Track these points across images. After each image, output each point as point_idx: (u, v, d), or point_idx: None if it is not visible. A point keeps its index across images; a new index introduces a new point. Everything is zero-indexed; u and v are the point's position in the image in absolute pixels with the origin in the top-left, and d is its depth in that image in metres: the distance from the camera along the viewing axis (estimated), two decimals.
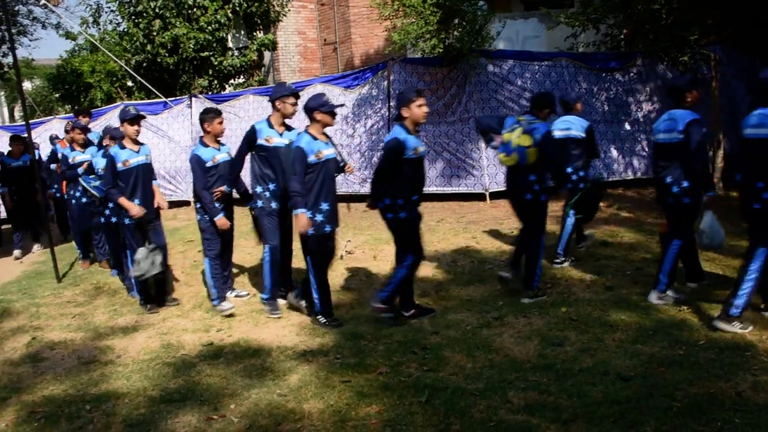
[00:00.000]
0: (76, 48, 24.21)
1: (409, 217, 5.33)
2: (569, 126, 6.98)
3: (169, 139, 14.30)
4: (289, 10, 16.51)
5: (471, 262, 7.30)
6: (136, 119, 6.37)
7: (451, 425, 3.67)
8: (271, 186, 5.92)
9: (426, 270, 7.03)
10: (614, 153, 11.25)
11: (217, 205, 6.10)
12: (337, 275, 7.12)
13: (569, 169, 6.80)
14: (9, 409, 4.35)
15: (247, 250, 8.32)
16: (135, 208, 6.26)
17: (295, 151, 5.32)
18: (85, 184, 7.20)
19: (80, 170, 7.71)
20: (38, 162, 10.42)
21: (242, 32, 16.57)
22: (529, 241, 5.96)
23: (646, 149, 11.26)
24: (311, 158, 5.31)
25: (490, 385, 4.13)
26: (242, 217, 7.31)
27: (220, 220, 6.06)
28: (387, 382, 4.28)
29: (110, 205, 6.83)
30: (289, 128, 6.06)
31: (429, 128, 11.50)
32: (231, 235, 6.56)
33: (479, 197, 10.90)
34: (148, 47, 14.71)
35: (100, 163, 7.02)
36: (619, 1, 10.67)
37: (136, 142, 6.46)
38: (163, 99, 13.56)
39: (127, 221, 6.35)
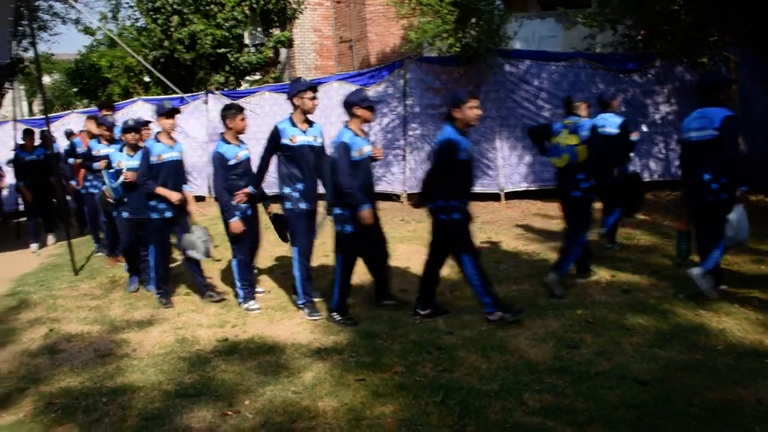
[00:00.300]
0: (95, 43, 24.34)
1: (463, 219, 5.26)
2: (604, 123, 7.17)
3: (185, 135, 14.33)
4: (305, 8, 16.53)
5: (486, 262, 7.26)
6: (171, 113, 6.34)
7: (466, 426, 3.66)
8: (299, 186, 5.76)
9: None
10: (630, 154, 11.17)
11: (240, 206, 6.05)
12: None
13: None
14: (27, 399, 4.38)
15: (264, 246, 8.32)
16: (174, 195, 6.25)
17: (340, 146, 5.31)
18: (107, 181, 7.06)
19: (95, 165, 7.65)
20: (56, 155, 10.50)
21: (259, 29, 16.60)
22: (570, 237, 6.19)
23: (663, 152, 11.19)
24: (354, 154, 5.31)
25: (506, 386, 4.11)
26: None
27: (235, 223, 5.95)
28: (402, 381, 4.27)
29: (151, 203, 6.47)
30: (311, 124, 5.94)
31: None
32: (257, 235, 6.54)
33: (494, 197, 10.87)
34: (166, 43, 14.77)
35: (116, 158, 6.97)
36: (637, 1, 10.59)
37: (171, 138, 6.44)
38: (180, 94, 13.61)
39: (155, 216, 6.34)
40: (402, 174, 11.66)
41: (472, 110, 5.16)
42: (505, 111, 11.21)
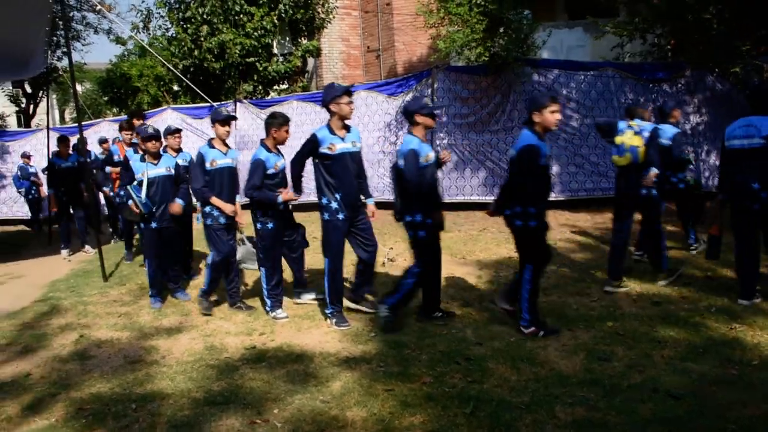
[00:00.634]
0: (125, 53, 24.74)
1: (539, 227, 5.17)
2: (661, 134, 7.17)
3: None
4: (333, 17, 16.62)
5: (514, 272, 7.20)
6: (227, 120, 6.31)
7: None
8: (338, 195, 5.64)
9: (468, 280, 6.99)
10: (690, 166, 11.03)
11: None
12: (378, 283, 7.10)
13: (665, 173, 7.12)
14: (58, 405, 4.43)
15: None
16: (229, 207, 6.25)
17: (409, 154, 5.31)
18: (133, 195, 6.74)
19: (107, 169, 7.54)
20: (92, 162, 10.66)
21: (287, 38, 16.73)
22: (650, 232, 6.57)
23: (693, 163, 11.03)
24: (421, 161, 5.33)
25: (536, 398, 4.06)
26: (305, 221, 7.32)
27: (287, 194, 5.90)
28: (431, 392, 4.24)
29: (206, 209, 6.36)
30: (348, 129, 5.79)
31: (472, 137, 11.46)
32: (298, 242, 6.51)
33: None
34: (196, 52, 14.93)
35: (140, 168, 6.75)
36: (667, 10, 10.48)
37: (226, 144, 6.40)
38: (210, 103, 13.74)
39: (209, 222, 6.30)
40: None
41: (553, 115, 5.09)
42: None
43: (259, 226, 6.11)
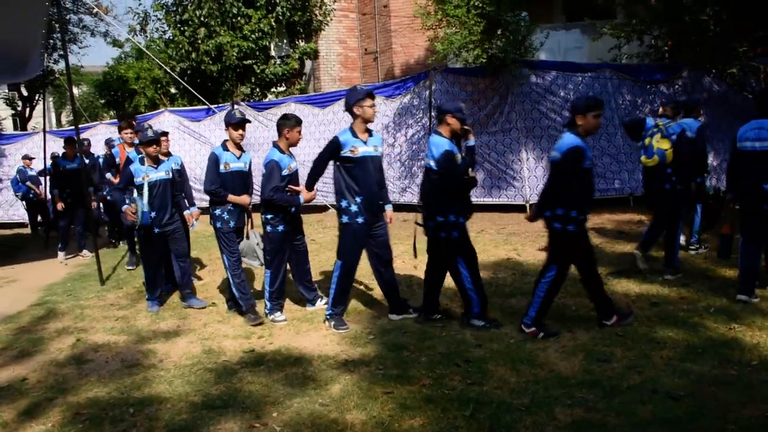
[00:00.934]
0: (122, 55, 24.74)
1: (578, 233, 5.15)
2: (687, 128, 7.27)
3: (210, 146, 14.46)
4: (331, 20, 16.63)
5: (512, 274, 7.23)
6: (241, 123, 6.19)
7: None
8: (358, 199, 5.58)
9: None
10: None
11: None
12: (377, 286, 7.09)
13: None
14: (55, 409, 4.40)
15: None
16: (245, 198, 6.19)
17: (449, 155, 5.29)
18: (139, 204, 6.58)
19: (108, 175, 7.38)
20: (95, 165, 10.62)
21: (284, 41, 16.74)
22: (666, 226, 6.82)
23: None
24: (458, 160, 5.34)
25: (536, 400, 4.05)
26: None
27: (308, 194, 5.86)
28: (430, 394, 4.22)
29: (216, 212, 6.24)
30: (371, 133, 5.74)
31: None
32: (304, 245, 6.42)
33: (520, 209, 10.81)
34: (193, 55, 14.93)
35: (140, 172, 6.63)
36: (664, 12, 10.50)
37: (239, 148, 6.33)
38: (208, 105, 13.75)
39: (219, 225, 6.20)
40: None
41: (596, 119, 5.13)
42: (531, 122, 11.16)
43: (269, 228, 6.04)
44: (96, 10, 17.61)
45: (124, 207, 6.68)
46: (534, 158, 11.09)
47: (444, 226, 5.42)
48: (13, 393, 4.74)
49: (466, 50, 10.65)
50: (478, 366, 4.65)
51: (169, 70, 14.35)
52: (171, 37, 15.91)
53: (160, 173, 6.70)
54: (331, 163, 5.74)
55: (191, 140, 14.66)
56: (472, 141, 5.61)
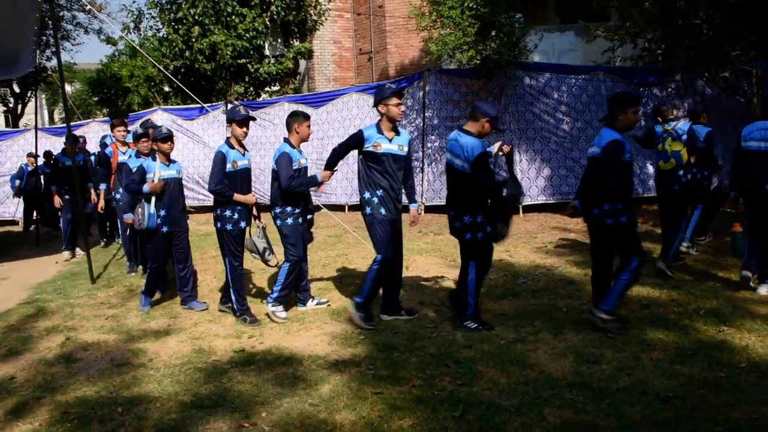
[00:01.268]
0: (116, 53, 24.66)
1: (631, 221, 5.21)
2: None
3: (203, 145, 14.44)
4: (326, 19, 16.61)
5: (504, 275, 7.23)
6: (246, 121, 6.08)
7: None
8: (379, 192, 5.64)
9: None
10: (650, 168, 11.10)
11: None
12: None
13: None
14: (43, 408, 4.37)
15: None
16: (250, 197, 6.10)
17: (484, 157, 5.26)
18: (145, 208, 6.55)
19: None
20: (87, 163, 10.56)
21: (279, 40, 16.72)
22: (674, 223, 7.09)
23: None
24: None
25: (526, 401, 4.05)
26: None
27: (325, 172, 5.84)
28: (420, 395, 4.22)
29: (218, 212, 6.09)
30: (398, 132, 5.74)
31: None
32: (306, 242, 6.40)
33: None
34: (187, 53, 14.90)
35: (151, 168, 6.57)
36: (658, 15, 10.52)
37: (242, 145, 6.22)
38: (201, 104, 13.72)
39: (229, 227, 6.04)
40: (420, 186, 11.64)
41: (635, 115, 5.21)
42: (524, 123, 11.18)
43: (279, 222, 6.04)
44: (89, 7, 17.57)
45: (125, 216, 6.62)
46: (527, 160, 11.11)
47: (471, 227, 5.40)
48: (1, 392, 4.71)
49: (460, 51, 10.66)
50: (468, 367, 4.64)
51: (162, 69, 14.31)
52: (165, 36, 15.87)
53: (172, 171, 6.65)
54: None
55: (184, 139, 14.61)
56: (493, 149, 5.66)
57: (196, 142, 14.54)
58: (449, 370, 4.61)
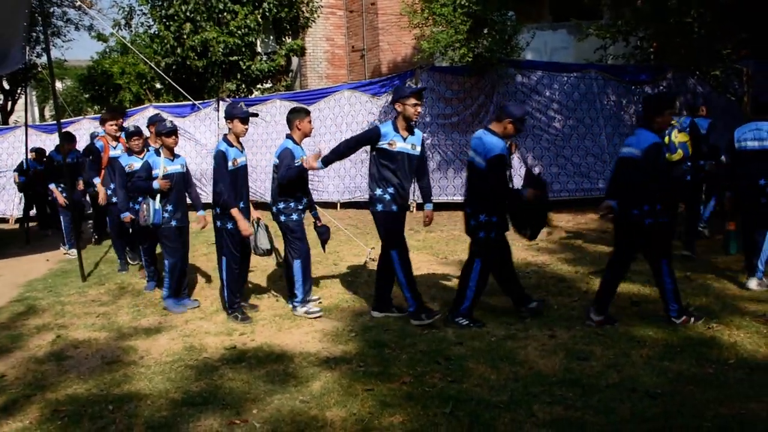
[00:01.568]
0: (107, 50, 24.56)
1: (669, 222, 5.31)
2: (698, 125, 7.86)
3: (195, 142, 14.41)
4: (318, 16, 16.59)
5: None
6: (247, 118, 6.02)
7: None
8: (390, 189, 5.60)
9: (450, 280, 6.99)
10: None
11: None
12: (360, 283, 7.11)
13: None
14: (33, 406, 4.36)
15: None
16: (244, 226, 5.90)
17: (502, 158, 5.25)
18: (150, 205, 6.52)
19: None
20: (79, 163, 10.47)
21: (271, 37, 16.69)
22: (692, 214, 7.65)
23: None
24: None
25: (515, 398, 4.07)
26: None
27: (312, 162, 5.65)
28: (411, 391, 4.23)
29: (218, 210, 6.05)
30: (412, 131, 5.71)
31: (455, 137, 11.48)
32: None
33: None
34: (178, 50, 14.86)
35: (157, 164, 6.52)
36: (650, 13, 10.57)
37: (239, 142, 6.11)
38: (192, 102, 13.69)
39: (230, 226, 5.96)
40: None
41: (670, 116, 5.33)
42: None
43: (283, 218, 5.98)
44: (80, 3, 17.46)
45: (123, 215, 6.63)
46: (518, 157, 11.11)
47: (486, 225, 5.40)
48: None
49: (452, 49, 10.66)
50: (459, 364, 4.66)
51: (153, 66, 14.26)
52: (156, 32, 15.81)
53: (177, 166, 6.61)
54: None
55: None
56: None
57: (188, 139, 14.48)
58: (439, 367, 4.63)
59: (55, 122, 10.31)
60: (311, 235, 6.26)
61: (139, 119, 13.69)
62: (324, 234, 6.34)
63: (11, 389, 4.68)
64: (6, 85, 21.88)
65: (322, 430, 3.79)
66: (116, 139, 8.61)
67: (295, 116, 6.02)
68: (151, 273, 7.47)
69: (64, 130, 10.80)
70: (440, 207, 10.99)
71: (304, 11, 16.16)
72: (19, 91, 22.18)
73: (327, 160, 5.68)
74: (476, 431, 3.68)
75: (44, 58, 18.48)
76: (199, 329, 5.88)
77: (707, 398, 3.96)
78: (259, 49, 16.24)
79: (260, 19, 15.12)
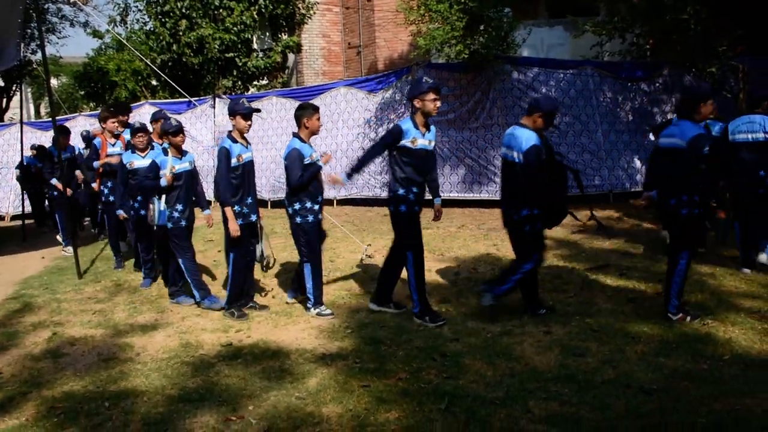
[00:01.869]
0: (103, 46, 24.49)
1: (701, 214, 5.38)
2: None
3: (191, 139, 14.36)
4: (314, 13, 16.57)
5: (492, 269, 7.26)
6: (250, 114, 5.98)
7: None
8: (415, 189, 5.54)
9: (447, 276, 7.00)
10: (638, 163, 11.16)
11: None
12: (357, 279, 7.12)
13: None
14: (29, 403, 4.36)
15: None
16: (233, 225, 5.82)
17: (537, 149, 5.23)
18: (155, 205, 6.55)
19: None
20: (76, 157, 10.46)
21: (267, 34, 16.66)
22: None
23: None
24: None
25: (511, 394, 4.08)
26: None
27: (335, 177, 5.76)
28: (406, 388, 4.24)
29: (236, 208, 5.96)
30: (429, 127, 5.63)
31: (452, 134, 11.49)
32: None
33: (500, 204, 10.81)
34: (174, 47, 14.83)
35: (165, 163, 6.44)
36: (646, 10, 10.58)
37: (244, 138, 6.05)
38: (188, 98, 13.66)
39: (240, 222, 5.91)
40: None
41: (711, 106, 5.35)
42: (512, 118, 11.17)
43: (299, 220, 5.88)
44: None
45: (119, 212, 6.75)
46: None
47: (528, 219, 5.40)
48: None
49: (448, 46, 10.65)
50: (455, 360, 4.67)
51: (149, 63, 14.22)
52: (152, 29, 15.78)
53: (185, 164, 6.53)
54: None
55: None
56: None
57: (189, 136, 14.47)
58: (435, 363, 4.64)
59: (50, 119, 10.30)
60: None
61: (135, 116, 13.64)
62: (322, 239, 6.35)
63: (7, 386, 4.68)
64: (1, 82, 21.83)
65: (318, 427, 3.80)
66: (116, 136, 8.58)
67: (303, 113, 5.91)
68: (147, 270, 7.47)
69: (58, 125, 10.79)
70: None
71: (300, 8, 16.14)
72: (14, 88, 22.14)
73: (353, 172, 5.71)
74: (472, 427, 3.69)
75: (39, 55, 18.42)
76: (195, 326, 5.88)
77: (702, 394, 3.97)
78: (255, 46, 16.21)
79: (256, 16, 15.09)
